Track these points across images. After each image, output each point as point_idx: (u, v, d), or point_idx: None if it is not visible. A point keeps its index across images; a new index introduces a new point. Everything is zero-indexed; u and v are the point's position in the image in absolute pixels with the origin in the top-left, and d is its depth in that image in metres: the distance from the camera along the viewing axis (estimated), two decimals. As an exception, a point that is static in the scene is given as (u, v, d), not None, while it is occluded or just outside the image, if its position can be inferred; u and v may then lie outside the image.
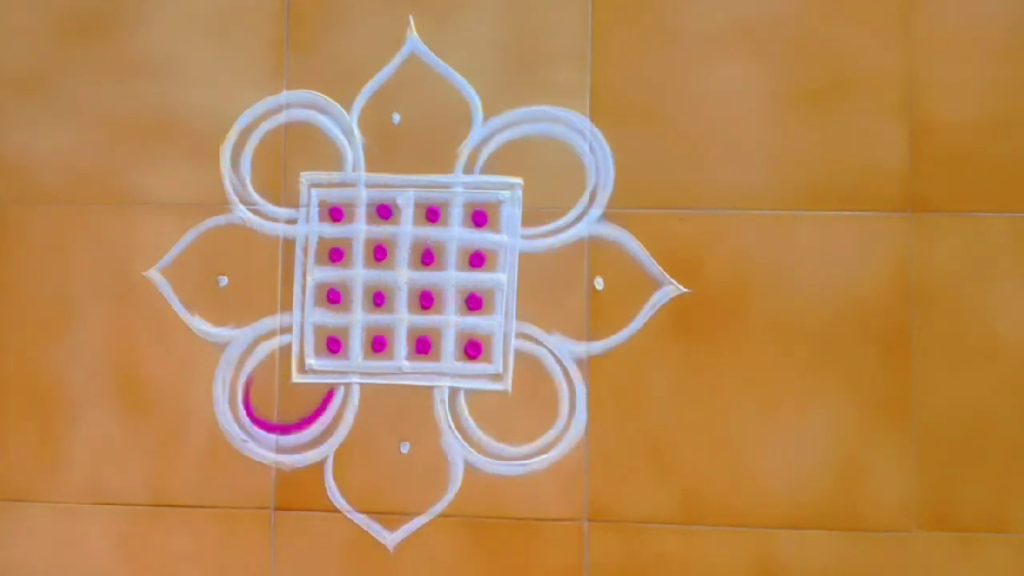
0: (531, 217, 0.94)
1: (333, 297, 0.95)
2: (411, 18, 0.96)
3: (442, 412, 0.94)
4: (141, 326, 0.96)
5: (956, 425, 0.90)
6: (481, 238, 0.95)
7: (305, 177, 0.96)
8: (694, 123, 0.94)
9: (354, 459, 0.93)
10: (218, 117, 0.97)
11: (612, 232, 0.93)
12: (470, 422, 0.93)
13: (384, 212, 0.95)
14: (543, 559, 0.92)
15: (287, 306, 0.96)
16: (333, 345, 0.95)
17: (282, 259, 0.96)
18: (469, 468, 0.93)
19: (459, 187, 0.95)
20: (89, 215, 0.97)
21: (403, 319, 0.95)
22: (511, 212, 0.94)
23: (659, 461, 0.92)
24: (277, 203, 0.96)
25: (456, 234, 0.95)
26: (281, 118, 0.97)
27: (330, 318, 0.95)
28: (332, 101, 0.96)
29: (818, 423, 0.91)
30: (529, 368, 0.93)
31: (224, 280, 0.96)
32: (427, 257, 0.95)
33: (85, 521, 0.96)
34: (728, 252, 0.93)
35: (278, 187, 0.96)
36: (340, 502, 0.92)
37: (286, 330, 0.95)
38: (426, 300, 0.95)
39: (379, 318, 0.95)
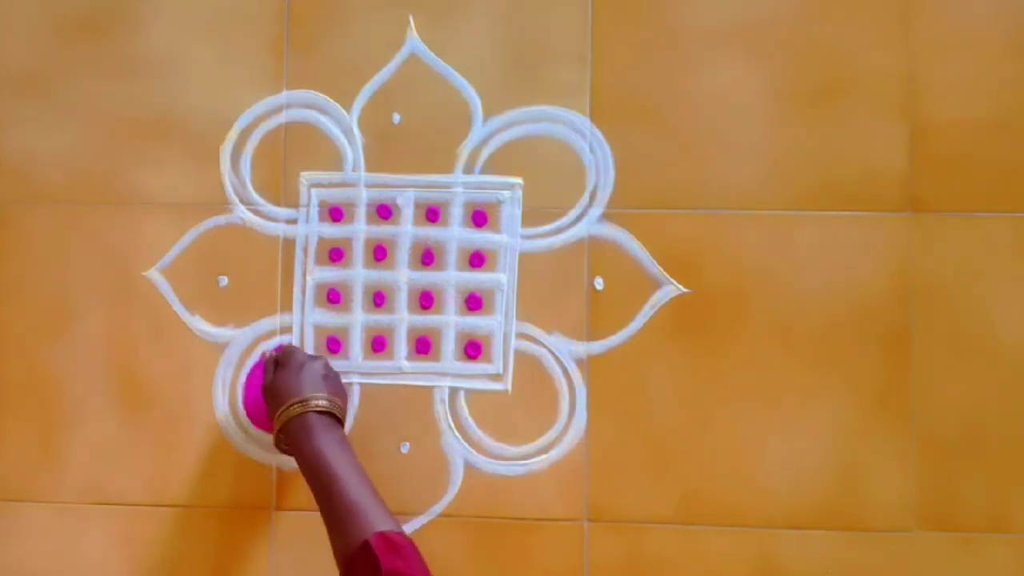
0: (531, 217, 0.94)
1: (333, 297, 0.95)
2: (411, 18, 0.96)
3: (442, 412, 0.94)
4: (141, 326, 0.96)
5: (956, 425, 0.90)
6: (481, 238, 0.95)
7: (305, 177, 0.96)
8: (694, 123, 0.94)
9: (354, 459, 0.93)
10: (218, 117, 0.97)
11: (612, 232, 0.93)
12: (470, 422, 0.93)
13: (384, 212, 0.95)
14: (543, 559, 0.92)
15: (287, 306, 0.96)
16: (333, 345, 0.95)
17: (282, 259, 0.96)
18: (469, 468, 0.93)
19: (459, 187, 0.95)
20: (89, 215, 0.97)
21: (403, 319, 0.95)
22: (511, 212, 0.94)
23: (659, 461, 0.92)
24: (277, 203, 0.96)
25: (456, 234, 0.95)
26: (281, 118, 0.97)
27: (330, 318, 0.95)
28: (332, 101, 0.96)
29: (818, 423, 0.91)
30: (529, 368, 0.93)
31: (224, 280, 0.96)
32: (427, 257, 0.95)
33: (85, 521, 0.96)
34: (728, 252, 0.93)
35: (278, 187, 0.96)
36: (340, 502, 0.92)
37: (286, 330, 0.95)
38: (426, 300, 0.94)
39: (379, 318, 0.95)
